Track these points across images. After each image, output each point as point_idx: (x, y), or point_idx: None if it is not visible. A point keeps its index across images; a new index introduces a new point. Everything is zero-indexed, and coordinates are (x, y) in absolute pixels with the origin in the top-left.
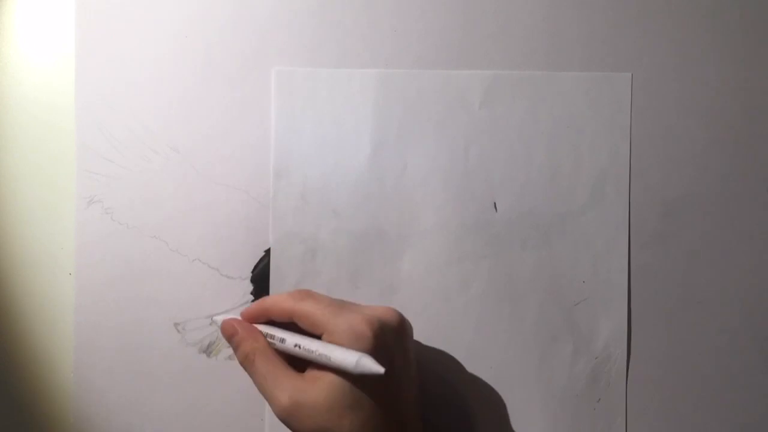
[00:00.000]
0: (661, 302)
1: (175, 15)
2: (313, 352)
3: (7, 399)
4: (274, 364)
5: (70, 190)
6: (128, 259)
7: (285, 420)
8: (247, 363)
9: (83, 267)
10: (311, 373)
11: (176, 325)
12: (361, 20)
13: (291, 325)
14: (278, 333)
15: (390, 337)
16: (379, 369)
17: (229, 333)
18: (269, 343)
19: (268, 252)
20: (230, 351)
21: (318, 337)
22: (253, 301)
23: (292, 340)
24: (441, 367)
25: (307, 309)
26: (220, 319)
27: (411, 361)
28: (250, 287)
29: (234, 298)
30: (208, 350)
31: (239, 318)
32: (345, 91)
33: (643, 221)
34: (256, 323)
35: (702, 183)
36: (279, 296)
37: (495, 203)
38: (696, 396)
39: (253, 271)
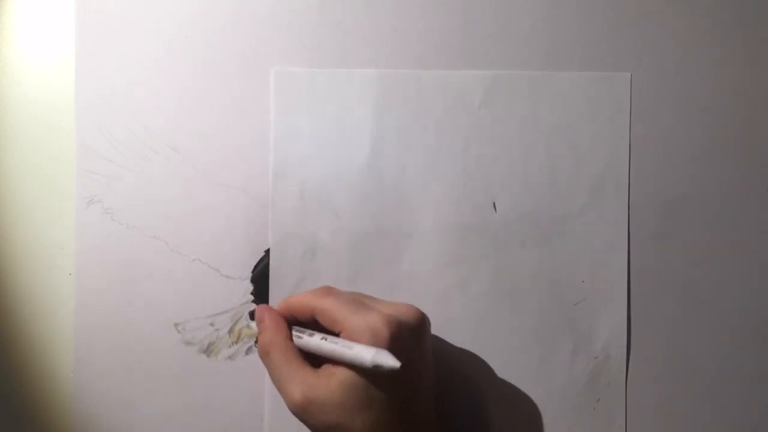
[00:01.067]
0: (661, 302)
1: (174, 15)
2: (336, 343)
3: (7, 399)
4: (289, 358)
5: (70, 191)
6: (128, 259)
7: (297, 414)
8: (263, 353)
9: (83, 267)
10: (326, 369)
11: (176, 325)
12: (361, 20)
13: (314, 324)
14: (307, 329)
15: (408, 337)
16: (395, 363)
17: (257, 318)
18: (294, 337)
19: (268, 252)
20: (230, 351)
21: (337, 334)
22: (253, 301)
23: (319, 334)
24: (442, 365)
25: (327, 306)
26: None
27: (428, 360)
28: (250, 287)
29: (234, 298)
30: (208, 350)
31: (265, 306)
32: (345, 91)
33: (643, 221)
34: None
35: (702, 183)
36: (302, 294)
37: (494, 203)
38: (696, 396)
39: (253, 271)
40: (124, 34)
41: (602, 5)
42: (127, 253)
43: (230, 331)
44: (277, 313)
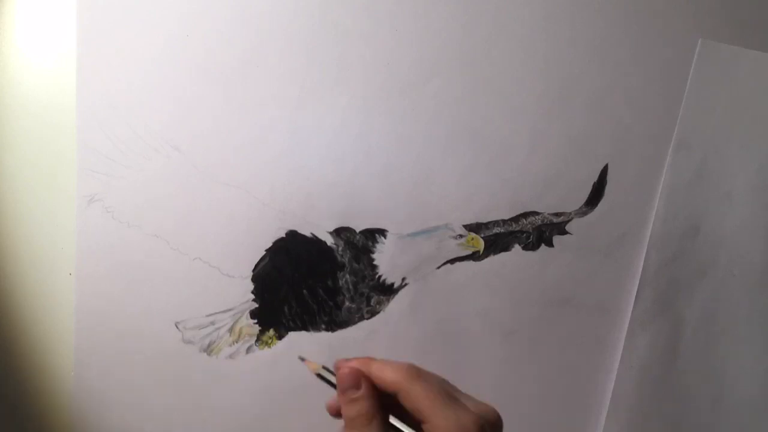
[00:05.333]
0: None
1: (175, 14)
2: None
3: (8, 398)
4: None
5: (71, 189)
6: (129, 257)
7: None
8: (360, 422)
9: (83, 266)
10: None
11: (177, 324)
12: None
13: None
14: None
15: None
16: None
17: (350, 383)
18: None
19: (268, 251)
20: (231, 350)
21: (418, 421)
22: (253, 300)
23: None
24: None
25: (416, 392)
26: (315, 365)
27: None
28: (251, 286)
29: (234, 297)
30: (208, 349)
31: (359, 369)
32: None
33: None
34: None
35: None
36: (388, 365)
37: None
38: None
39: (253, 270)
40: (125, 33)
41: None
42: (128, 252)
43: (231, 330)
44: (370, 381)
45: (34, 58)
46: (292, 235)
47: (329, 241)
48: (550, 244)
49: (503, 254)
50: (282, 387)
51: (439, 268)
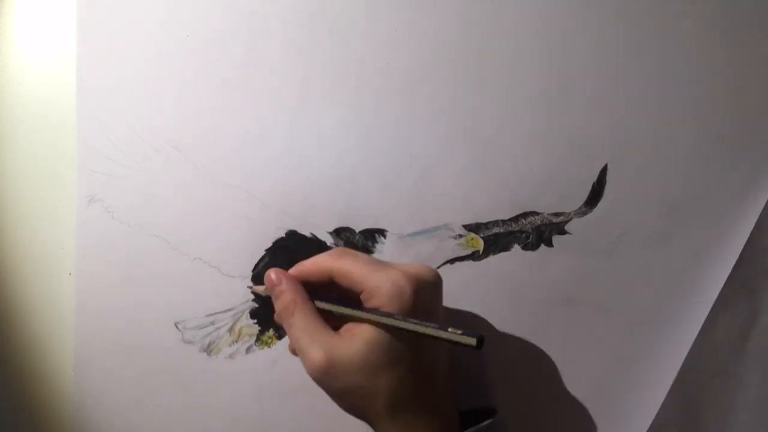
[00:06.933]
0: None
1: (175, 14)
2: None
3: (8, 399)
4: (311, 319)
5: (71, 190)
6: (129, 257)
7: (318, 379)
8: (285, 314)
9: (83, 266)
10: (348, 330)
11: (176, 324)
12: None
13: (326, 289)
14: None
15: (428, 294)
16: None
17: (271, 282)
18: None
19: (268, 251)
20: (231, 350)
21: (357, 293)
22: (253, 300)
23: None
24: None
25: (347, 266)
26: (260, 288)
27: (442, 318)
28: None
29: (234, 297)
30: (208, 349)
31: (280, 269)
32: None
33: None
34: None
35: None
36: (317, 257)
37: None
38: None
39: (253, 270)
40: (125, 33)
41: None
42: (128, 252)
43: (230, 330)
44: (292, 275)
45: (34, 58)
46: (292, 235)
47: (329, 241)
48: (549, 244)
49: (503, 254)
50: (282, 387)
51: (438, 268)
